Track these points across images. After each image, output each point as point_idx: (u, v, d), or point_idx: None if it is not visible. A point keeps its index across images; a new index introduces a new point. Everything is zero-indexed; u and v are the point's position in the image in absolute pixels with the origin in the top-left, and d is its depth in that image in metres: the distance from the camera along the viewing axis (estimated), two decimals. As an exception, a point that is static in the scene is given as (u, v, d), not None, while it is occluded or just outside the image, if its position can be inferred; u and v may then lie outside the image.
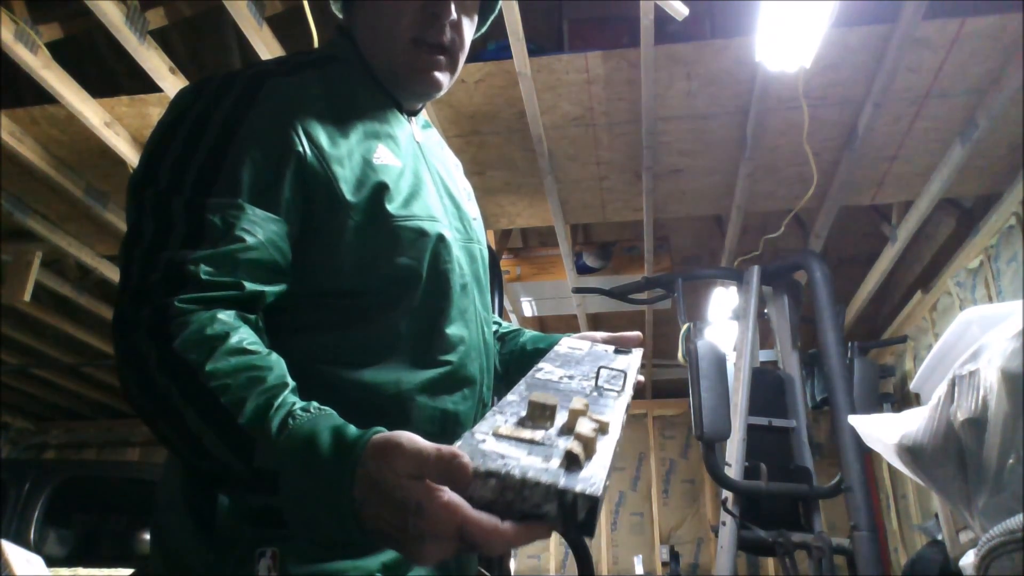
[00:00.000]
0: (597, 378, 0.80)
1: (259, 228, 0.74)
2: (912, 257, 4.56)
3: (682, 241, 4.84)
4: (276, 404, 0.63)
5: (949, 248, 4.09)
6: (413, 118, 0.98)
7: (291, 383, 0.66)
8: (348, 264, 0.80)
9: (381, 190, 0.82)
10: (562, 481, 0.54)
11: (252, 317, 0.73)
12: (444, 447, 0.56)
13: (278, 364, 0.68)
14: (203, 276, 0.69)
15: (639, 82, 2.88)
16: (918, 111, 3.03)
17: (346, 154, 0.82)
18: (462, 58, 0.95)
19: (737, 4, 2.83)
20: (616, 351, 0.95)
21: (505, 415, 0.65)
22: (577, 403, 0.65)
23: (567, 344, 0.97)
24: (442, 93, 0.96)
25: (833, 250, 4.58)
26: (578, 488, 0.54)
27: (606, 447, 0.61)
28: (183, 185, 0.74)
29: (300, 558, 0.71)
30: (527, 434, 0.61)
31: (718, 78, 2.91)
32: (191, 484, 0.75)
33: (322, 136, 0.81)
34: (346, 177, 0.81)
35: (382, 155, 0.85)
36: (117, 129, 3.06)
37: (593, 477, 0.55)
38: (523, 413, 0.65)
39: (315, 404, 0.64)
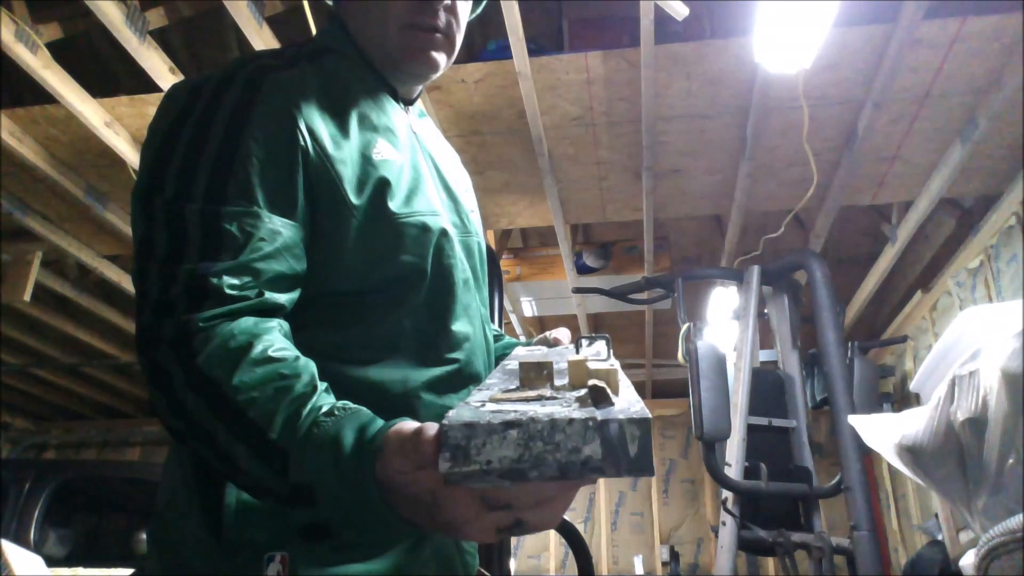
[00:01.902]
0: (578, 348, 0.76)
1: (277, 236, 0.73)
2: (912, 257, 4.56)
3: (682, 241, 4.84)
4: (304, 413, 0.61)
5: (949, 248, 4.09)
6: (410, 107, 0.96)
7: (321, 385, 0.65)
8: (352, 264, 0.79)
9: (383, 188, 0.81)
10: (599, 414, 0.46)
11: (277, 321, 0.72)
12: (416, 428, 0.54)
13: (306, 368, 0.66)
14: (226, 289, 0.68)
15: (639, 82, 2.88)
16: (918, 111, 3.03)
17: (348, 154, 0.80)
18: (458, 39, 0.93)
19: (737, 4, 2.83)
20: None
21: (492, 390, 0.57)
22: (575, 358, 0.57)
23: (523, 350, 0.93)
24: (439, 74, 0.93)
25: (833, 250, 4.58)
26: (621, 416, 0.46)
27: (627, 386, 0.54)
28: (194, 192, 0.71)
29: (309, 561, 0.70)
30: (530, 394, 0.53)
31: (718, 78, 2.91)
32: (201, 485, 0.74)
33: (325, 136, 0.79)
34: (349, 178, 0.79)
35: (382, 149, 0.83)
36: (117, 129, 3.06)
37: (632, 405, 0.48)
38: (512, 386, 0.57)
39: (341, 405, 0.63)
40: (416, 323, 0.82)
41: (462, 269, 0.88)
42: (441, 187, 0.92)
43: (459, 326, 0.86)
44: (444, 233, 0.85)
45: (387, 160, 0.83)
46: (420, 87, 0.98)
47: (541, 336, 0.97)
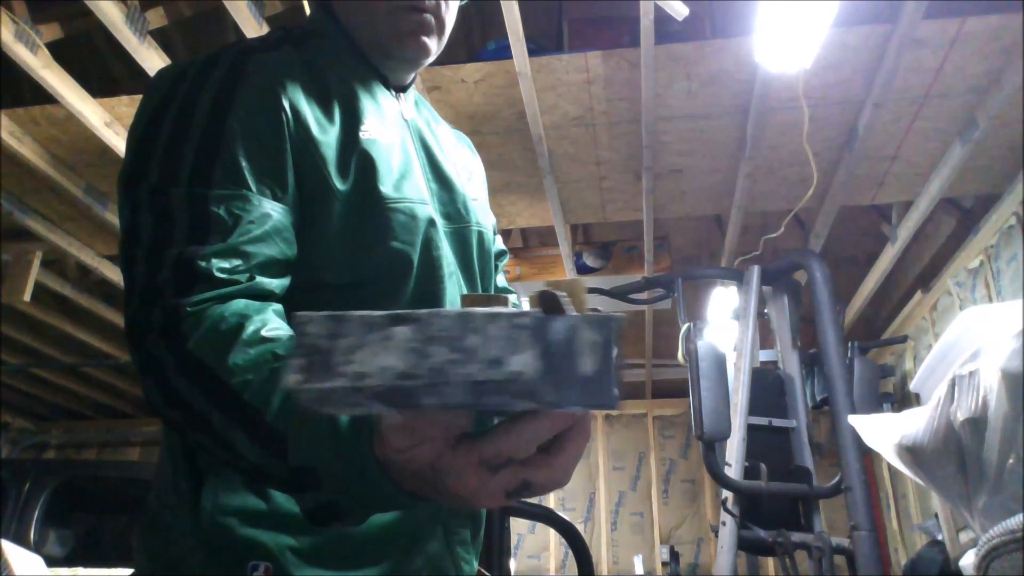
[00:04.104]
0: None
1: (267, 219, 0.70)
2: (912, 257, 4.56)
3: (682, 241, 4.84)
4: None
5: (949, 248, 4.09)
6: (402, 95, 0.92)
7: None
8: (339, 252, 0.76)
9: (370, 169, 0.78)
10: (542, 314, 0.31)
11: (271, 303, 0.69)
12: None
13: None
14: (216, 272, 0.65)
15: (639, 82, 2.88)
16: (918, 111, 3.03)
17: (333, 137, 0.77)
18: (449, 22, 0.89)
19: (737, 4, 2.83)
20: None
21: None
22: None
23: None
24: (430, 60, 0.89)
25: (833, 250, 4.58)
26: (573, 315, 0.31)
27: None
28: (180, 177, 0.69)
29: (299, 569, 0.69)
30: None
31: (718, 78, 2.91)
32: (188, 486, 0.73)
33: (309, 118, 0.76)
34: (334, 161, 0.76)
35: (370, 129, 0.80)
36: (117, 129, 3.06)
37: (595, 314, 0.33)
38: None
39: None
40: None
41: (449, 262, 0.84)
42: (432, 176, 0.88)
43: None
44: (432, 223, 0.82)
45: (375, 140, 0.80)
46: (412, 74, 0.94)
47: None
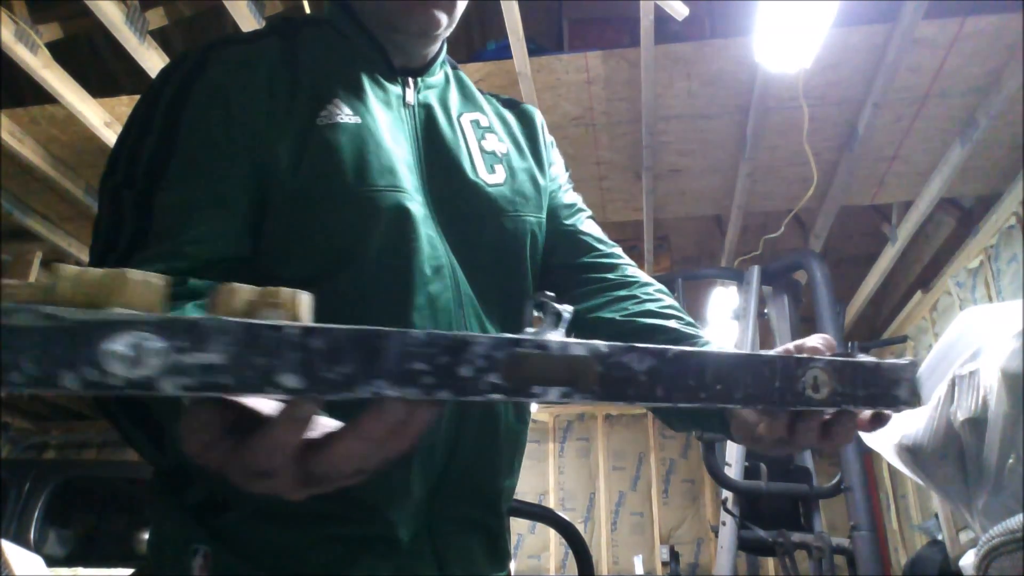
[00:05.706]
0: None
1: (213, 219, 0.69)
2: (912, 257, 4.56)
3: (682, 241, 4.84)
4: None
5: (949, 248, 4.09)
6: (410, 80, 0.85)
7: None
8: (293, 246, 0.73)
9: (324, 158, 0.73)
10: None
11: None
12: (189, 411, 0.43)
13: None
14: None
15: (639, 82, 2.88)
16: (918, 111, 3.03)
17: (292, 128, 0.74)
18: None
19: (737, 4, 2.83)
20: None
21: None
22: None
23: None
24: (441, 33, 0.84)
25: (833, 250, 4.58)
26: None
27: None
28: (135, 178, 0.69)
29: (234, 562, 0.68)
30: None
31: (718, 78, 2.91)
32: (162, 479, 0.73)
33: (262, 112, 0.73)
34: (288, 154, 0.72)
35: (333, 112, 0.75)
36: (117, 129, 3.06)
37: None
38: None
39: None
40: (369, 319, 0.70)
41: (431, 256, 0.75)
42: (428, 165, 0.81)
43: (418, 319, 0.73)
44: (405, 213, 0.74)
45: (335, 124, 0.75)
46: (424, 51, 0.87)
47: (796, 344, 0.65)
